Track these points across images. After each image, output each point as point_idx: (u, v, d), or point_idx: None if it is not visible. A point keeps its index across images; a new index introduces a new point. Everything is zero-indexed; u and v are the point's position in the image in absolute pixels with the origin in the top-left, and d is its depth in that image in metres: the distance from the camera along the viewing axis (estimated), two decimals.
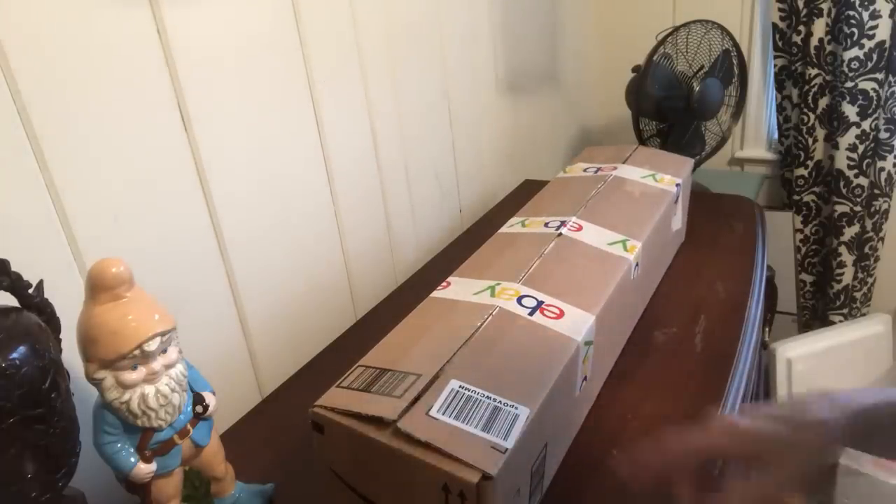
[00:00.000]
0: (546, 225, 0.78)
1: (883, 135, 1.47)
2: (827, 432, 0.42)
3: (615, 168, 0.91)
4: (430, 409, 0.50)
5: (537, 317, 0.62)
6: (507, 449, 0.47)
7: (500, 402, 0.51)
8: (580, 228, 0.76)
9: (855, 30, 1.38)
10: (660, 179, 0.88)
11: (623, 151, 0.97)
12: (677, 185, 0.88)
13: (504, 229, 0.81)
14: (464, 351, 0.57)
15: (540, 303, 0.63)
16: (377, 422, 0.50)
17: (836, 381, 1.59)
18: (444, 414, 0.50)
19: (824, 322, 1.70)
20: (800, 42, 1.48)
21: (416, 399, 0.51)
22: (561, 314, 0.62)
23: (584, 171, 0.93)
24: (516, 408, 0.51)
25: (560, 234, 0.75)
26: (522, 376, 0.55)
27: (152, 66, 0.64)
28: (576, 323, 0.61)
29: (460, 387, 0.53)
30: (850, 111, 1.45)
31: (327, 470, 0.55)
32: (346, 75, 0.89)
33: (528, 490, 0.53)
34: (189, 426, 0.52)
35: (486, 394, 0.52)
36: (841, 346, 1.60)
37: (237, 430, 0.73)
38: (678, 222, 0.93)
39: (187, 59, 0.66)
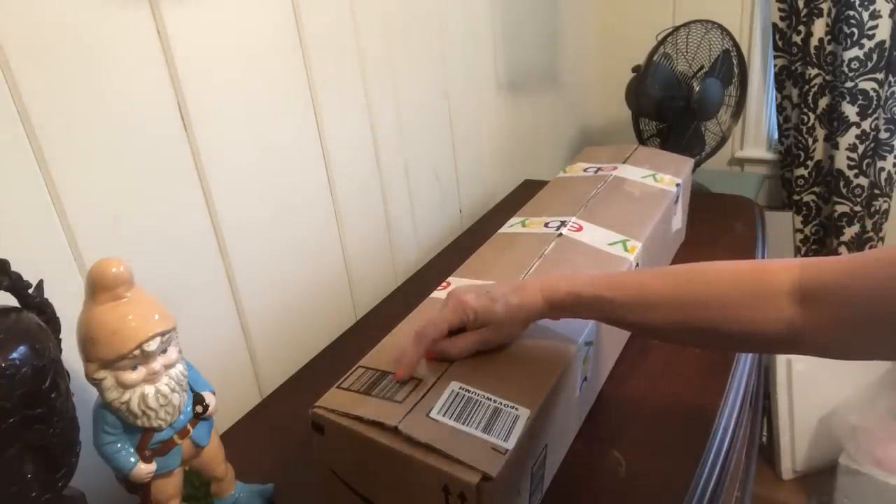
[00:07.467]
0: (546, 225, 0.78)
1: (883, 135, 1.47)
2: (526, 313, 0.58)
3: (615, 168, 0.91)
4: (430, 411, 0.50)
5: None
6: (507, 450, 0.47)
7: (501, 403, 0.51)
8: (580, 229, 0.76)
9: (855, 30, 1.38)
10: (660, 179, 0.88)
11: (623, 151, 0.97)
12: (677, 185, 0.88)
13: (504, 229, 0.80)
14: None
15: None
16: (378, 423, 0.50)
17: (835, 381, 1.59)
18: (444, 415, 0.50)
19: None
20: (800, 42, 1.48)
21: (417, 402, 0.51)
22: None
23: (585, 170, 0.93)
24: (517, 409, 0.51)
25: (560, 235, 0.75)
26: (523, 377, 0.55)
27: (152, 66, 0.64)
28: (576, 323, 0.61)
29: (461, 388, 0.53)
30: (850, 111, 1.45)
31: (327, 470, 0.55)
32: (345, 75, 0.89)
33: (528, 491, 0.53)
34: (189, 426, 0.52)
35: (487, 395, 0.52)
36: None
37: (237, 430, 0.74)
38: (678, 222, 0.93)
39: (187, 59, 0.66)
